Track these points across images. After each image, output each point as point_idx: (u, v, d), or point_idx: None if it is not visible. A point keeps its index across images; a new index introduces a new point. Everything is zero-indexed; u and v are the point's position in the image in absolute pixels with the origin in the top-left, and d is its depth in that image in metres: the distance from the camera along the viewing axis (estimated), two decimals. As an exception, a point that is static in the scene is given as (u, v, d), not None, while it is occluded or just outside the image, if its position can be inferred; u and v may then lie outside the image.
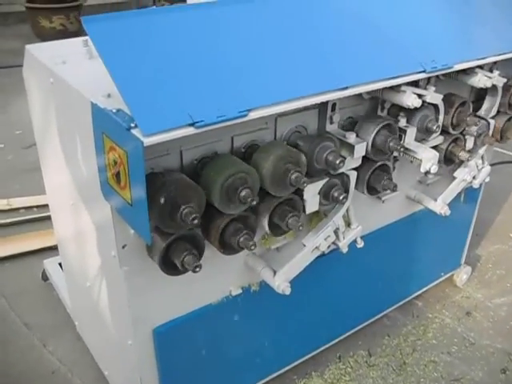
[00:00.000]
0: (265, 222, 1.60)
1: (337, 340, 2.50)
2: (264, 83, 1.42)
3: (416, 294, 2.82)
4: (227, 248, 1.56)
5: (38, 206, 3.49)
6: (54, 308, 2.72)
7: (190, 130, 1.23)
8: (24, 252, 3.11)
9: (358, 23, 1.71)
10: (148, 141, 1.16)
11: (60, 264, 2.71)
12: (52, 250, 3.02)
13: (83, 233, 1.87)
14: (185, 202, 1.33)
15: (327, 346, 2.47)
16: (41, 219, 3.36)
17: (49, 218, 3.11)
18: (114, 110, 1.28)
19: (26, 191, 3.64)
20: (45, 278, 2.87)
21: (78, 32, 7.02)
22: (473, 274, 3.07)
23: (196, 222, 1.33)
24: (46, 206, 3.37)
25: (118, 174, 1.31)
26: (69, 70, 1.64)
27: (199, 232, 1.53)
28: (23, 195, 3.61)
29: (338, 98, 1.57)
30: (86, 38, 1.69)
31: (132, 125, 1.20)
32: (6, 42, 6.92)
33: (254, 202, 1.41)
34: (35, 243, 3.13)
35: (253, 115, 1.32)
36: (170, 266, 1.49)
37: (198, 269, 1.42)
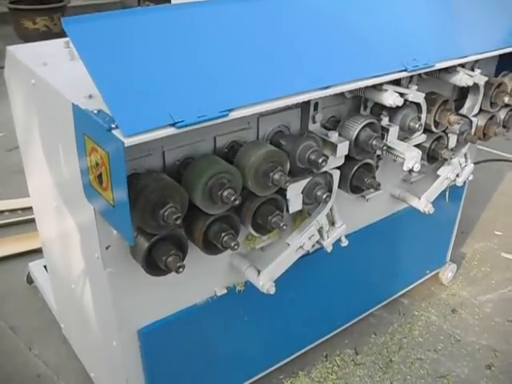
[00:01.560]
0: (248, 222, 1.60)
1: (323, 339, 2.51)
2: (245, 83, 1.42)
3: (402, 292, 2.83)
4: (211, 248, 1.56)
5: (22, 209, 3.46)
6: (40, 311, 2.71)
7: (171, 131, 1.22)
8: (9, 255, 3.09)
9: (340, 23, 1.71)
10: (129, 141, 1.16)
11: (45, 266, 2.70)
12: (37, 252, 3.00)
13: (67, 235, 1.86)
14: (167, 203, 1.33)
15: (314, 345, 2.48)
16: (25, 222, 3.34)
17: (33, 220, 3.10)
18: (95, 111, 1.27)
19: (10, 194, 3.61)
20: (30, 280, 2.85)
21: (62, 33, 6.87)
22: (458, 272, 3.10)
23: (178, 222, 1.33)
24: (30, 208, 3.33)
25: (100, 176, 1.31)
26: (50, 71, 1.63)
27: (182, 232, 1.52)
28: (7, 198, 3.59)
29: (320, 97, 1.58)
30: (68, 39, 1.69)
31: (113, 125, 1.20)
32: (-12, 44, 6.87)
33: (237, 202, 1.41)
34: (20, 246, 3.12)
35: (234, 115, 1.32)
36: (153, 267, 1.48)
37: (181, 269, 1.42)
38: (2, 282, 2.93)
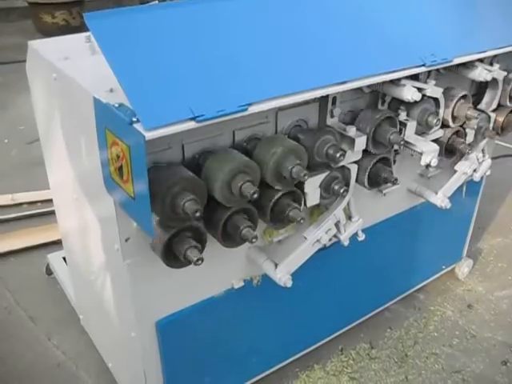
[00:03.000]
0: (266, 215, 1.62)
1: (339, 333, 2.52)
2: (264, 77, 1.44)
3: (417, 287, 2.83)
4: (229, 241, 1.58)
5: (41, 201, 3.50)
6: (59, 302, 2.74)
7: (191, 125, 1.24)
8: (28, 247, 3.13)
9: (358, 17, 1.72)
10: (150, 135, 1.18)
11: (64, 258, 2.74)
12: (56, 244, 3.04)
13: (87, 227, 1.89)
14: (187, 196, 1.35)
15: (329, 338, 2.49)
16: (44, 214, 3.38)
17: (52, 212, 3.13)
18: (117, 105, 1.29)
19: (29, 186, 3.66)
20: (49, 272, 2.89)
21: (81, 27, 7.02)
22: (474, 267, 3.08)
23: (198, 214, 1.34)
24: (49, 200, 3.40)
25: (120, 168, 1.33)
26: (71, 65, 1.65)
27: (201, 225, 1.54)
28: (27, 190, 3.63)
29: (339, 92, 1.58)
30: (89, 33, 1.71)
31: (134, 119, 1.22)
32: (8, 38, 6.93)
33: (256, 196, 1.42)
34: (39, 238, 3.15)
35: (253, 109, 1.33)
36: (172, 259, 1.50)
37: (200, 262, 1.43)
38: (21, 273, 2.97)
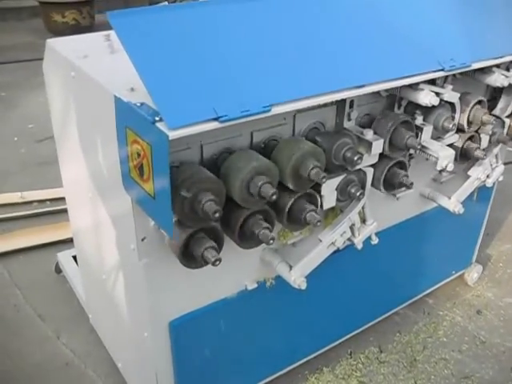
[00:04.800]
0: (283, 217, 1.61)
1: (348, 336, 2.52)
2: (285, 80, 1.44)
3: (427, 292, 2.83)
4: (246, 242, 1.58)
5: (51, 200, 3.51)
6: (68, 300, 2.74)
7: (214, 125, 1.24)
8: (37, 245, 3.14)
9: (378, 22, 1.72)
10: (173, 134, 1.18)
11: (73, 257, 2.73)
12: (65, 243, 3.05)
13: (101, 225, 1.89)
14: (207, 196, 1.35)
15: (338, 341, 2.49)
16: (54, 212, 3.39)
17: (62, 211, 3.16)
18: (138, 104, 1.30)
19: (38, 184, 3.66)
20: (58, 270, 2.89)
21: (90, 27, 7.05)
22: (483, 273, 3.08)
23: (217, 215, 1.34)
24: (59, 199, 3.42)
25: (141, 167, 1.33)
26: (90, 64, 1.66)
27: (218, 226, 1.54)
28: (36, 188, 3.64)
29: (358, 95, 1.58)
30: (108, 32, 1.72)
31: (157, 118, 1.22)
32: (18, 37, 6.95)
33: (275, 197, 1.42)
34: (48, 236, 3.16)
35: (276, 110, 1.34)
36: (189, 259, 1.50)
37: (217, 262, 1.43)
38: (30, 271, 2.98)
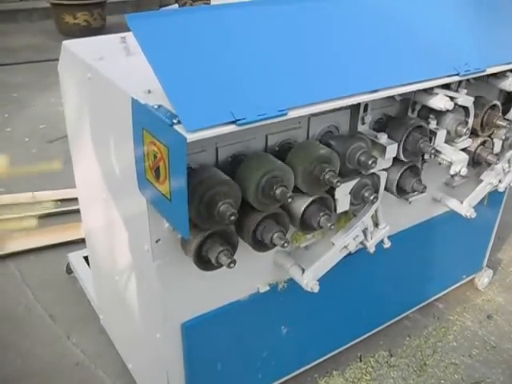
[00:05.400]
0: (296, 220, 1.62)
1: (358, 340, 2.51)
2: (301, 84, 1.44)
3: (437, 296, 2.82)
4: (260, 245, 1.58)
5: (62, 200, 3.52)
6: (78, 301, 2.75)
7: (232, 128, 1.25)
8: (48, 245, 3.15)
9: (393, 27, 1.72)
10: (191, 137, 1.18)
11: (84, 257, 2.75)
12: (76, 243, 3.06)
13: (114, 226, 1.90)
14: (223, 199, 1.35)
15: (348, 345, 2.48)
16: (65, 213, 3.39)
17: (73, 211, 3.17)
18: (156, 106, 1.30)
19: (49, 185, 3.68)
20: (69, 271, 2.90)
21: (101, 28, 7.08)
22: (494, 278, 3.07)
23: (233, 218, 1.35)
24: (69, 199, 3.43)
25: (157, 169, 1.34)
26: (107, 65, 1.66)
27: (233, 228, 1.55)
28: (47, 189, 3.65)
29: (373, 100, 1.58)
30: (124, 34, 1.73)
31: (175, 121, 1.22)
32: (30, 38, 6.99)
33: (290, 200, 1.42)
34: (60, 236, 3.17)
35: (292, 114, 1.34)
36: (203, 262, 1.51)
37: (232, 265, 1.44)
38: (41, 271, 2.99)
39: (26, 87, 5.40)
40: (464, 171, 1.85)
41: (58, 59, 1.93)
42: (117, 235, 1.91)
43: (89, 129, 1.85)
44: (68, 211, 3.36)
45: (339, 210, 1.72)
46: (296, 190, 1.57)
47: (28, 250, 3.11)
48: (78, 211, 2.49)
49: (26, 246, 3.12)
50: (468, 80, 1.91)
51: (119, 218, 1.80)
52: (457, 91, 1.85)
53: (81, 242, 2.86)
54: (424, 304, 2.77)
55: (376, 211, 1.90)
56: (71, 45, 1.86)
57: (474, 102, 1.92)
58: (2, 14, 7.44)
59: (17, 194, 3.58)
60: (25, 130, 4.55)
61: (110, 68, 1.63)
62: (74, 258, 2.85)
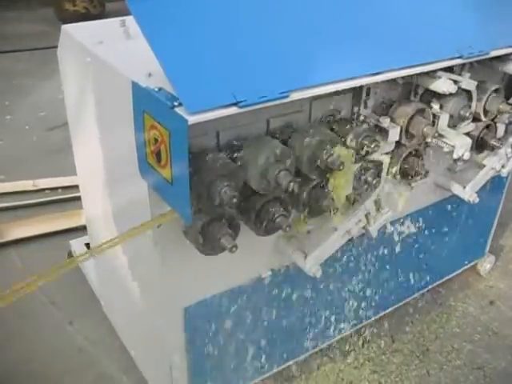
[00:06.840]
0: (299, 204, 1.61)
1: (361, 325, 2.51)
2: (303, 66, 1.43)
3: (439, 282, 2.81)
4: (262, 229, 1.57)
5: (63, 187, 3.51)
6: (80, 287, 2.73)
7: (233, 110, 1.23)
8: (49, 232, 3.14)
9: (396, 9, 1.71)
10: (192, 119, 1.17)
11: (86, 244, 2.74)
12: (77, 230, 3.05)
13: (116, 212, 1.89)
14: (224, 182, 1.34)
15: (351, 331, 2.48)
16: (66, 200, 3.39)
17: (73, 199, 3.16)
18: (156, 89, 1.29)
19: (50, 172, 3.67)
20: (71, 258, 2.89)
21: (101, 15, 7.04)
22: (496, 264, 3.06)
23: (235, 201, 1.34)
24: (70, 187, 3.42)
25: (158, 153, 1.33)
26: (106, 49, 1.65)
27: (235, 212, 1.54)
28: (48, 176, 3.64)
29: (376, 83, 1.57)
30: (124, 18, 1.71)
31: (175, 103, 1.21)
32: (29, 26, 6.95)
33: (292, 184, 1.41)
34: (61, 224, 3.16)
35: (294, 96, 1.33)
36: (205, 246, 1.50)
37: (234, 249, 1.43)
38: (42, 258, 2.98)
39: (26, 75, 5.38)
40: (467, 155, 1.84)
41: (57, 46, 1.92)
42: (118, 221, 1.90)
43: (89, 113, 1.83)
44: (69, 198, 3.35)
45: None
46: (299, 173, 1.56)
47: (29, 237, 3.10)
48: (78, 198, 2.49)
49: (28, 233, 3.11)
50: (471, 64, 1.89)
51: (120, 203, 1.80)
52: (460, 75, 1.83)
53: (82, 229, 2.85)
54: (426, 290, 2.77)
55: (378, 195, 1.89)
56: (70, 29, 1.85)
57: (477, 87, 1.90)
58: (2, 2, 7.41)
59: (17, 182, 3.57)
60: (25, 117, 4.53)
61: (109, 52, 1.62)
62: (76, 245, 2.84)
